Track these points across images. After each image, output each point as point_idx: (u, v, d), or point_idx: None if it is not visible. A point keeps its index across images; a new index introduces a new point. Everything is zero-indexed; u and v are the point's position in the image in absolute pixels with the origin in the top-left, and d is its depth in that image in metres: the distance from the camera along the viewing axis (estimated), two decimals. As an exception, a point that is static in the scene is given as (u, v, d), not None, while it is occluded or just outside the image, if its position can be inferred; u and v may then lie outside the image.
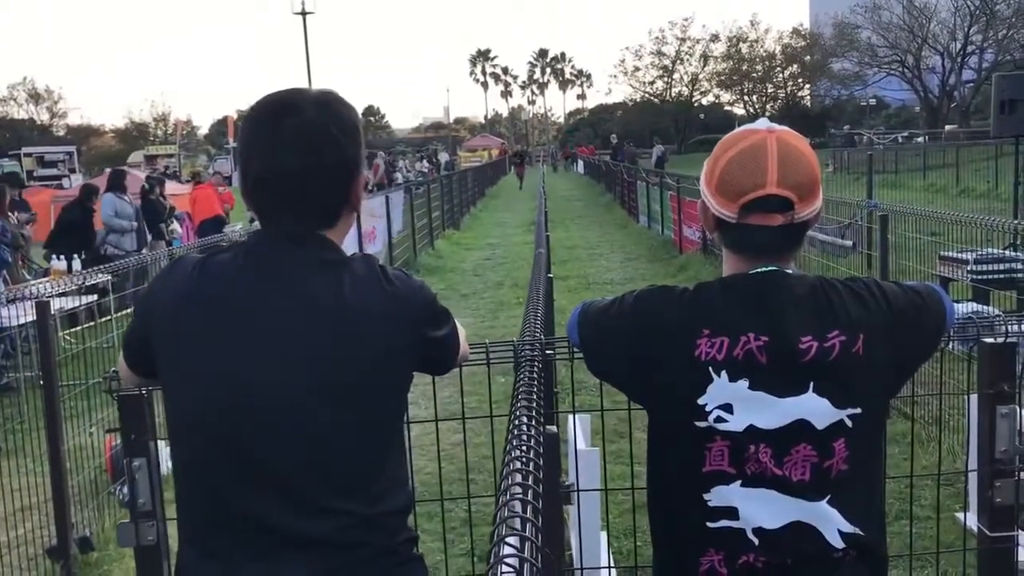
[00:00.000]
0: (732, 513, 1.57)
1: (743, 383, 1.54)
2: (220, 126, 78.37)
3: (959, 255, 7.32)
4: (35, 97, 73.41)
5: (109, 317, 8.56)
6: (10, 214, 10.08)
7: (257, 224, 1.67)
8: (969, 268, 7.10)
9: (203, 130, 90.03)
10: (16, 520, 4.35)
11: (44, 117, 74.20)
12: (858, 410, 1.57)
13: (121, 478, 5.14)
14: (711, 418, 1.55)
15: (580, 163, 42.86)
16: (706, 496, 1.58)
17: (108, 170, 15.11)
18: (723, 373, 1.54)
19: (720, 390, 1.55)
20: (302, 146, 1.54)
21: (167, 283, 1.58)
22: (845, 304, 1.57)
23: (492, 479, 3.11)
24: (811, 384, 1.54)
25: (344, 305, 1.51)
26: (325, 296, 1.52)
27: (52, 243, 11.32)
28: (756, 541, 1.56)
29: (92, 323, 8.78)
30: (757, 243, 1.59)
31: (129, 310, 8.23)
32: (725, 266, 1.68)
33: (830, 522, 1.56)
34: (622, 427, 4.89)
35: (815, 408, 1.55)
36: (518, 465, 1.25)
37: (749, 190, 1.56)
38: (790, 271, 1.61)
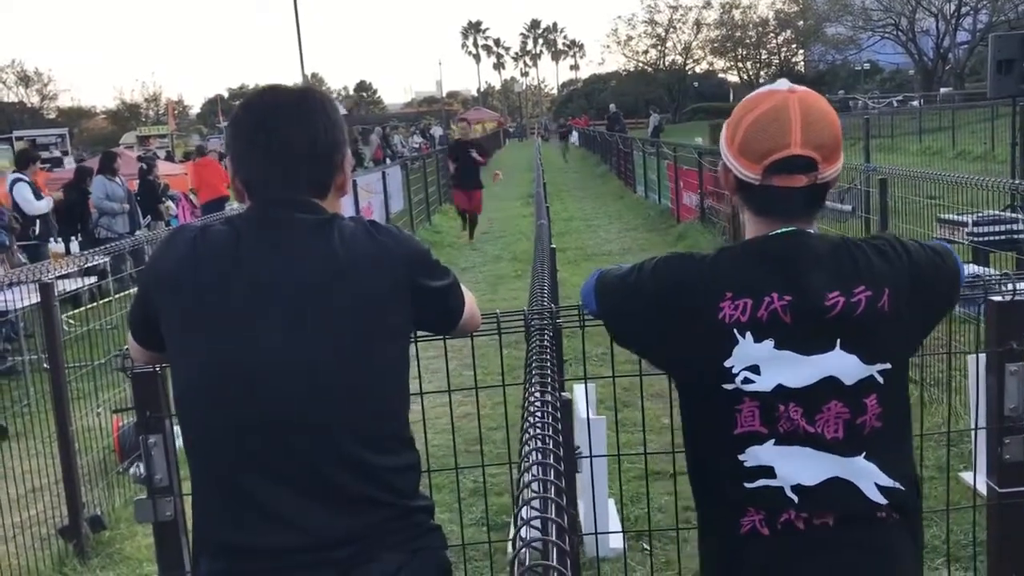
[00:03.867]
0: (769, 472, 1.57)
1: (768, 343, 1.54)
2: (211, 105, 77.97)
3: (958, 217, 7.32)
4: (24, 80, 72.86)
5: (109, 298, 8.56)
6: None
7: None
8: (968, 230, 7.09)
9: (195, 110, 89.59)
10: (27, 501, 4.37)
11: (34, 100, 73.70)
12: (888, 366, 1.57)
13: (129, 457, 5.17)
14: (738, 380, 1.55)
15: (575, 134, 42.65)
16: (741, 457, 1.58)
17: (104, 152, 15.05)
18: (748, 334, 1.54)
19: (746, 351, 1.55)
20: (287, 117, 1.62)
21: (165, 255, 1.61)
22: (869, 260, 1.58)
23: (501, 450, 3.13)
24: (837, 341, 1.55)
25: (338, 259, 1.55)
26: (321, 253, 1.55)
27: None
28: (795, 498, 1.57)
29: (92, 305, 8.78)
30: (781, 205, 1.59)
31: (128, 291, 8.23)
32: (747, 230, 1.67)
33: (868, 477, 1.57)
34: (624, 396, 4.91)
35: (843, 364, 1.55)
36: (538, 430, 1.26)
37: (773, 151, 1.56)
38: (812, 231, 1.62)
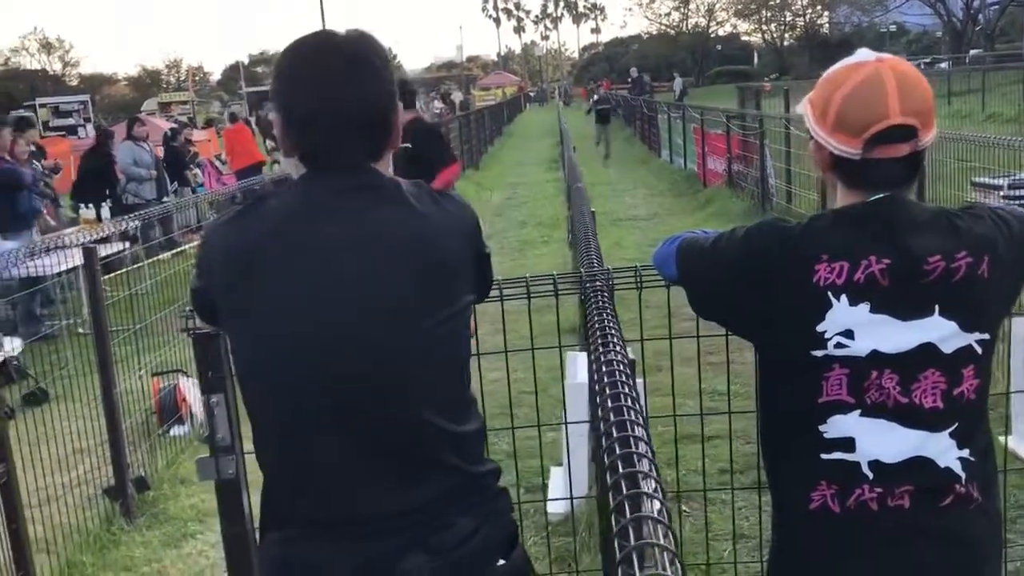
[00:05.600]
0: (848, 445, 1.56)
1: (864, 307, 1.53)
2: (232, 72, 77.82)
3: (993, 181, 7.23)
4: (46, 47, 73.09)
5: (140, 264, 8.63)
6: (35, 162, 10.11)
7: (279, 168, 1.65)
8: (1003, 193, 7.00)
9: (215, 76, 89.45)
10: (72, 462, 4.45)
11: (56, 67, 73.90)
12: (986, 336, 1.56)
13: (168, 420, 5.26)
14: (831, 345, 1.54)
15: (595, 97, 42.22)
16: (822, 427, 1.57)
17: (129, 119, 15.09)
18: (843, 298, 1.53)
19: (840, 315, 1.53)
20: (349, 78, 1.55)
21: (223, 233, 1.58)
22: (970, 227, 1.56)
23: (531, 413, 3.17)
24: (936, 307, 1.53)
25: (407, 225, 1.53)
26: (387, 224, 1.53)
27: (78, 192, 11.35)
28: (871, 475, 1.55)
29: (125, 270, 8.87)
30: (883, 176, 1.57)
31: (158, 257, 8.30)
32: (840, 202, 1.64)
33: (950, 453, 1.56)
34: (653, 360, 4.96)
35: (941, 331, 1.53)
36: (617, 389, 1.27)
37: (872, 123, 1.53)
38: (909, 199, 1.60)
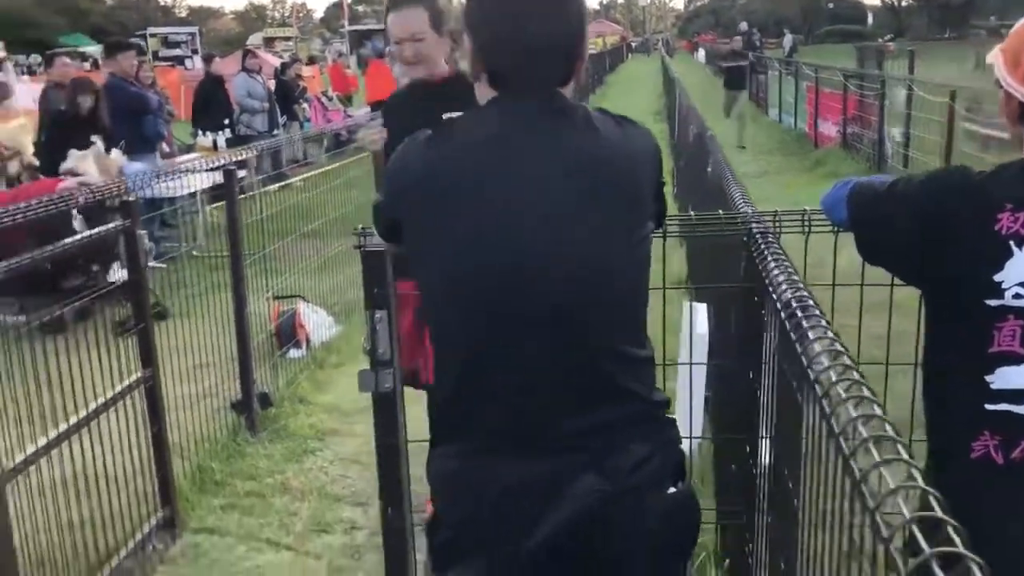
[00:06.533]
0: (1016, 397, 1.55)
1: None
2: (335, 9, 78.41)
3: None
4: (158, -23, 74.63)
5: (253, 192, 8.86)
6: (158, 89, 10.41)
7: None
8: None
9: (318, 13, 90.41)
10: (195, 376, 4.66)
11: (166, -1, 75.55)
12: None
13: (287, 343, 5.44)
14: (1008, 295, 1.52)
15: (701, 51, 41.25)
16: (989, 378, 1.56)
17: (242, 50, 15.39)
18: None
19: (1020, 265, 1.51)
20: (541, 3, 1.56)
21: (417, 155, 1.60)
22: None
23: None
24: None
25: (599, 151, 1.54)
26: (581, 148, 1.54)
27: (196, 119, 11.67)
28: None
29: (243, 196, 9.10)
30: None
31: (265, 189, 8.49)
32: None
33: None
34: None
35: None
36: (820, 333, 1.27)
37: None
38: None
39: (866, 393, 1.07)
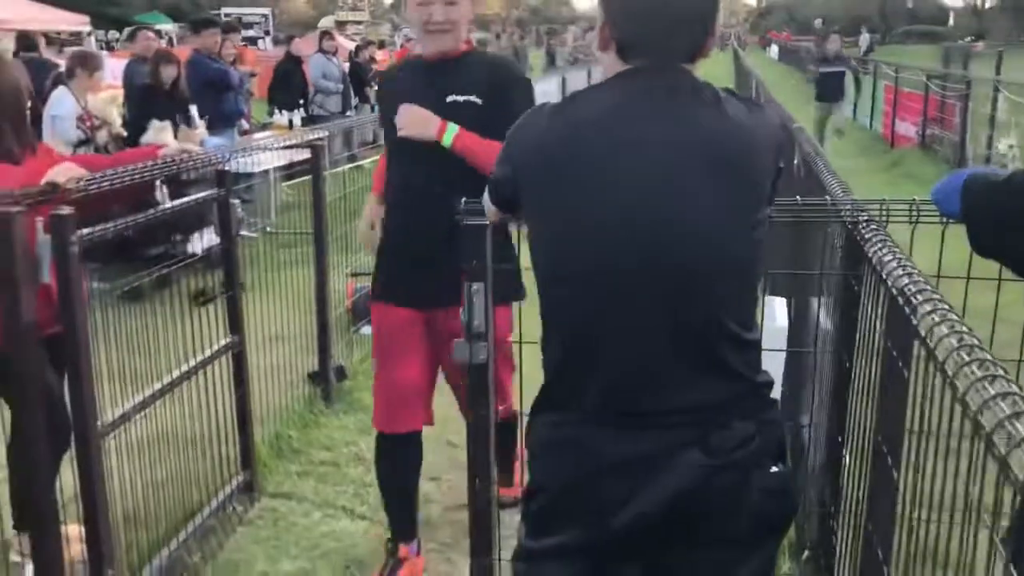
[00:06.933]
0: None
1: None
2: (406, -5, 78.78)
3: None
4: (235, -42, 75.80)
5: (326, 171, 8.99)
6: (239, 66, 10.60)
7: None
8: None
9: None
10: (273, 348, 4.75)
11: (242, -22, 76.57)
12: None
13: (360, 320, 5.52)
14: None
15: (774, 47, 40.62)
16: None
17: (317, 32, 15.58)
18: None
19: None
20: None
21: (541, 126, 1.61)
22: None
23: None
24: None
25: (727, 130, 1.54)
26: (707, 127, 1.54)
27: (272, 98, 11.86)
28: None
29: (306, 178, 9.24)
30: None
31: (338, 169, 8.61)
32: None
33: None
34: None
35: None
36: (951, 327, 1.26)
37: None
38: None
39: (1000, 371, 1.06)
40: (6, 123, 2.83)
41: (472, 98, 2.69)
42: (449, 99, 2.68)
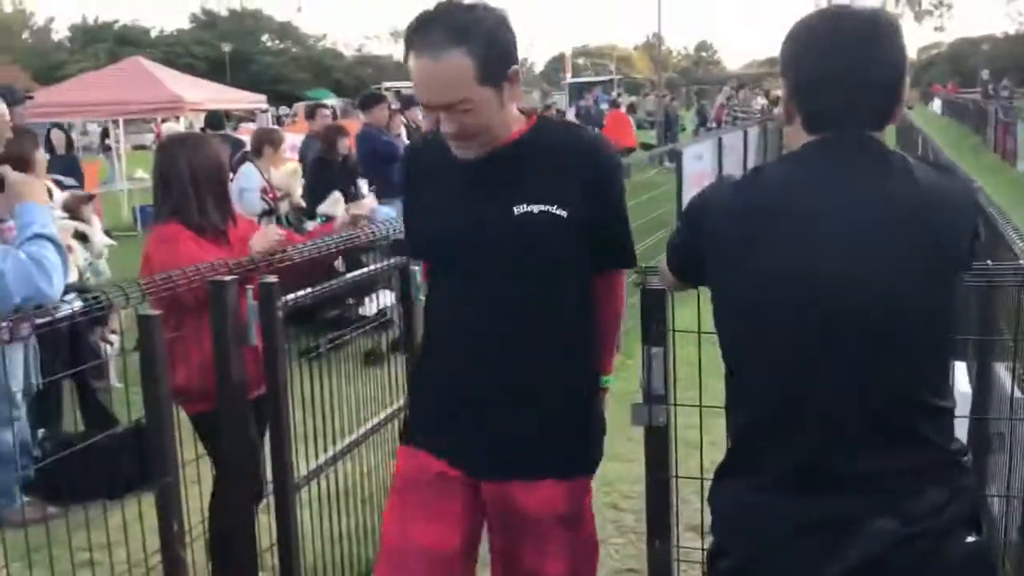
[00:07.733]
0: None
1: None
2: (555, 63, 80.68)
3: None
4: (396, 35, 79.98)
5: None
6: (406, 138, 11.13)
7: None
8: None
9: (538, 67, 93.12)
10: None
11: (399, 54, 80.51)
12: None
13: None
14: None
15: (936, 101, 39.02)
16: None
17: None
18: None
19: None
20: (872, 42, 1.58)
21: (727, 196, 1.67)
22: None
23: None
24: None
25: (918, 202, 1.55)
26: (898, 194, 1.55)
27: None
28: None
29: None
30: None
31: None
32: None
33: None
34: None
35: None
36: None
37: None
38: None
39: None
40: (209, 197, 3.13)
41: (551, 208, 1.97)
42: (518, 210, 1.97)
